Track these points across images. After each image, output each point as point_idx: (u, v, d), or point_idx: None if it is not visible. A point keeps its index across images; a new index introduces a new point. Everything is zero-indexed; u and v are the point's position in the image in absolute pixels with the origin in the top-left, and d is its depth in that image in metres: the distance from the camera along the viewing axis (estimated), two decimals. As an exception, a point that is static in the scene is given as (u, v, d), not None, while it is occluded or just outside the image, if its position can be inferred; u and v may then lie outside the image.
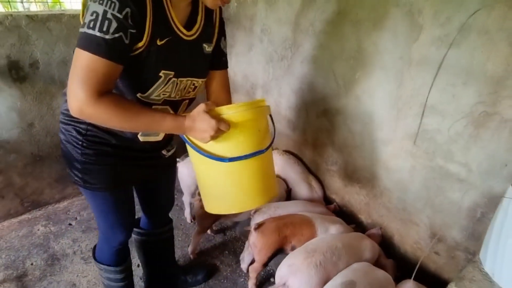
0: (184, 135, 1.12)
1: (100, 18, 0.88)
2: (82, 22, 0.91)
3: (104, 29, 0.88)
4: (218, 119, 1.04)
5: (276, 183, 1.35)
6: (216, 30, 1.22)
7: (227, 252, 2.16)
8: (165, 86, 1.09)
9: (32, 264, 1.98)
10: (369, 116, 1.79)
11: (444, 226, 1.63)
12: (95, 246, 1.54)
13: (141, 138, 1.22)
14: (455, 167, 1.50)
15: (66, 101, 1.08)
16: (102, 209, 1.34)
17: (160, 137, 1.26)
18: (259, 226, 1.70)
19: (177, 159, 1.82)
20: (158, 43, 1.01)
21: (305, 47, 2.01)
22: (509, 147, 1.31)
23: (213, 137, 1.05)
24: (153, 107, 1.12)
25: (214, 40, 1.22)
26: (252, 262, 1.80)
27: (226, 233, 2.29)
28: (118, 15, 0.88)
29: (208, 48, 1.19)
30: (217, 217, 1.97)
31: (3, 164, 2.09)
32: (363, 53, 1.73)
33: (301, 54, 2.05)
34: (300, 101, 2.18)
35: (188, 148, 1.17)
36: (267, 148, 1.20)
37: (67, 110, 1.12)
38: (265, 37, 2.27)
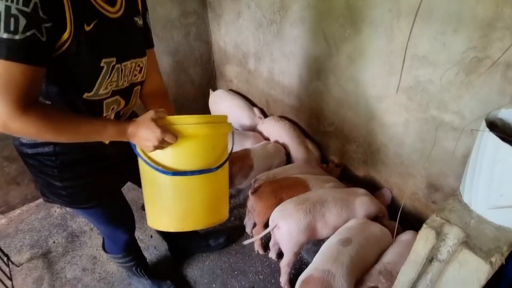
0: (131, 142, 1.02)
1: (3, 16, 0.72)
2: None
3: (12, 28, 0.73)
4: (165, 129, 0.96)
5: (227, 206, 1.24)
6: (139, 1, 1.09)
7: (233, 218, 2.22)
8: (110, 76, 0.96)
9: (54, 242, 2.08)
10: (362, 74, 1.76)
11: (440, 175, 1.63)
12: (103, 238, 1.56)
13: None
14: (448, 116, 1.48)
15: None
16: (98, 221, 1.31)
17: None
18: (255, 190, 1.74)
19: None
20: (86, 29, 0.87)
21: (293, 9, 1.95)
22: (501, 91, 1.28)
23: (157, 147, 0.97)
24: (105, 102, 1.01)
25: (140, 9, 1.09)
26: (255, 225, 1.85)
27: (230, 201, 2.33)
28: (25, 8, 0.73)
29: (139, 21, 1.07)
30: None
31: (15, 152, 2.09)
32: (352, 9, 1.67)
33: (290, 17, 1.99)
34: (293, 65, 2.14)
35: (137, 156, 1.07)
36: (218, 168, 1.08)
37: (28, 140, 1.01)
38: (252, 2, 2.20)
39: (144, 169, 1.09)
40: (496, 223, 0.94)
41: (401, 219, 1.84)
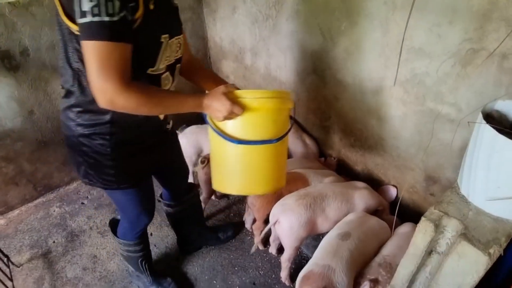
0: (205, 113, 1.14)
1: (102, 1, 0.79)
2: (77, 11, 0.81)
3: (110, 11, 0.80)
4: (233, 101, 1.07)
5: (284, 176, 1.36)
6: None
7: (232, 214, 2.22)
8: (166, 52, 1.06)
9: (54, 242, 2.07)
10: (358, 67, 1.74)
11: (438, 167, 1.63)
12: (112, 222, 1.59)
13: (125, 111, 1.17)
14: (445, 108, 1.48)
15: (79, 112, 1.06)
16: (130, 203, 1.36)
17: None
18: (255, 186, 1.74)
19: (176, 131, 1.84)
20: (151, 7, 0.94)
21: (288, 4, 1.93)
22: (497, 81, 1.27)
23: (226, 118, 1.09)
24: (161, 77, 1.10)
25: None
26: (255, 221, 1.85)
27: (229, 197, 2.34)
28: None
29: (175, 0, 1.13)
30: None
31: (12, 153, 2.13)
32: (347, 2, 1.65)
33: (285, 11, 1.97)
34: (289, 60, 2.12)
35: (209, 126, 1.19)
36: (278, 139, 1.19)
37: (86, 120, 1.07)
38: (248, -3, 2.19)
39: (214, 137, 1.22)
40: (494, 214, 0.94)
41: (399, 212, 1.84)
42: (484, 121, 0.90)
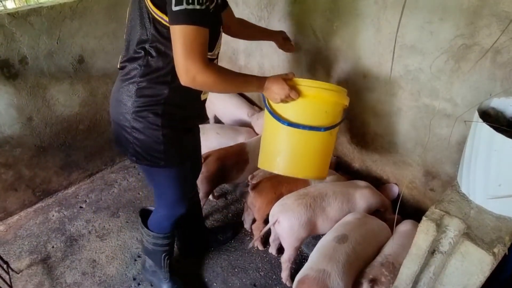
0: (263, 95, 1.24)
1: None
2: (174, 1, 0.90)
3: (201, 1, 0.92)
4: (291, 87, 1.17)
5: (327, 168, 1.39)
6: None
7: (230, 215, 2.16)
8: (220, 40, 1.18)
9: (53, 247, 2.01)
10: (351, 66, 1.69)
11: (436, 162, 1.58)
12: (142, 212, 1.57)
13: (202, 97, 1.26)
14: (440, 104, 1.43)
15: (139, 88, 1.12)
16: (171, 185, 1.35)
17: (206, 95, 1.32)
18: (255, 186, 1.68)
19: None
20: (219, 2, 1.06)
21: (280, 5, 1.88)
22: (491, 76, 1.24)
23: (283, 101, 1.20)
24: (214, 62, 1.18)
25: None
26: (254, 221, 1.79)
27: (227, 197, 2.27)
28: None
29: None
30: (217, 181, 1.93)
31: (11, 159, 2.08)
32: (338, 2, 1.61)
33: (277, 13, 1.92)
34: (283, 60, 2.07)
35: (265, 106, 1.29)
36: (326, 129, 1.24)
37: (142, 96, 1.13)
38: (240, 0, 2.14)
39: (267, 118, 1.31)
40: (496, 212, 0.90)
41: (399, 208, 1.79)
42: (480, 120, 0.87)
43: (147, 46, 1.08)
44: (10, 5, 2.75)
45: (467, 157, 0.94)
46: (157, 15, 1.01)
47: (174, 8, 0.91)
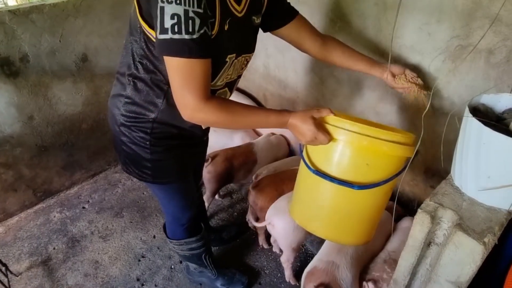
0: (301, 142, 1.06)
1: (183, 19, 0.80)
2: (158, 27, 0.82)
3: (190, 29, 0.81)
4: (320, 127, 1.00)
5: (369, 232, 1.12)
6: (266, 1, 1.12)
7: (235, 214, 2.23)
8: (228, 70, 1.05)
9: (54, 248, 2.05)
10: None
11: (435, 160, 1.67)
12: (164, 227, 1.58)
13: (203, 126, 1.21)
14: (438, 102, 1.53)
15: (126, 102, 1.09)
16: (171, 197, 1.36)
17: None
18: (256, 184, 1.75)
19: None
20: (225, 28, 0.94)
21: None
22: (485, 75, 1.33)
23: (309, 143, 1.04)
24: (217, 93, 1.10)
25: (264, 9, 1.13)
26: (257, 219, 1.86)
27: (233, 196, 2.35)
28: (199, 10, 0.82)
29: (257, 20, 1.10)
30: (224, 181, 2.00)
31: (11, 159, 2.13)
32: (341, 3, 1.70)
33: (279, 13, 2.02)
34: (288, 59, 2.16)
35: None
36: (360, 187, 0.99)
37: (130, 112, 1.10)
38: (244, 0, 2.22)
39: (301, 162, 1.14)
40: (487, 204, 0.98)
41: (402, 206, 1.88)
42: (470, 115, 0.94)
43: (137, 60, 1.03)
44: (11, 2, 2.81)
45: (459, 151, 1.03)
46: (146, 30, 0.94)
47: (159, 36, 0.83)
